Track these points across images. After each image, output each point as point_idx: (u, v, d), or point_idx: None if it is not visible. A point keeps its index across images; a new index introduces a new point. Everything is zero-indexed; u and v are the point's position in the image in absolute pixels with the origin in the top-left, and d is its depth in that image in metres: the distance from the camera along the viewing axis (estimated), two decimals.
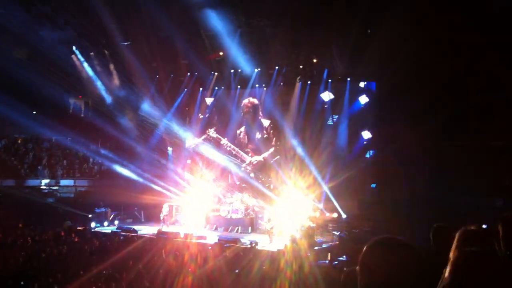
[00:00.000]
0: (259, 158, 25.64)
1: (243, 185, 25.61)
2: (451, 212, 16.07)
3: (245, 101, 26.83)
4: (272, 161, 25.29)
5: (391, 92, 20.14)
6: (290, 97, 26.06)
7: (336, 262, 14.45)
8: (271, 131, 26.27)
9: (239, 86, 27.62)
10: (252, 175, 25.79)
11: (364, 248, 2.16)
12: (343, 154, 24.07)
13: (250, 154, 26.12)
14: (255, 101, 26.66)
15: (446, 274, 2.05)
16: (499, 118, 17.47)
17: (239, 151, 26.14)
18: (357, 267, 2.20)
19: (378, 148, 22.15)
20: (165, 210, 24.22)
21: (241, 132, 27.01)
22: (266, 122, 26.31)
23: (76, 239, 18.34)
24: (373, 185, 21.90)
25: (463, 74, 17.41)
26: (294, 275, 10.95)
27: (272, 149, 25.71)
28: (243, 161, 25.91)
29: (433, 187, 18.16)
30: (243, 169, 25.97)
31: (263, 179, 25.42)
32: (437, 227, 4.90)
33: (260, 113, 26.66)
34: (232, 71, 26.93)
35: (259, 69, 26.22)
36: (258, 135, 26.33)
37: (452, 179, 18.13)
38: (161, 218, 24.08)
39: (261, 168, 25.67)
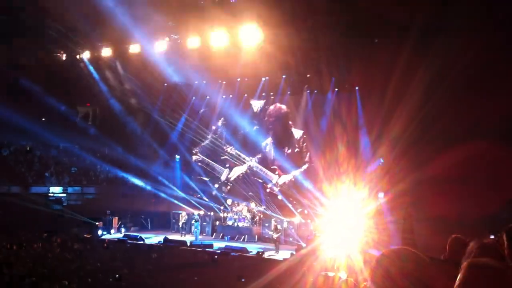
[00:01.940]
0: (289, 177, 22.82)
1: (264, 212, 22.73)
2: None
3: (271, 107, 23.98)
4: (304, 181, 22.31)
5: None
6: (297, 106, 24.73)
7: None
8: (304, 144, 22.99)
9: (245, 94, 26.18)
10: (280, 197, 23.03)
11: (376, 259, 2.15)
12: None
13: (277, 172, 23.36)
14: (283, 107, 23.70)
15: (457, 282, 2.03)
16: None
17: (263, 168, 23.29)
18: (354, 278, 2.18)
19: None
20: (183, 218, 24.30)
21: (266, 144, 23.87)
22: (297, 133, 23.24)
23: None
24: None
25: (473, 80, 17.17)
26: None
27: (305, 166, 22.84)
28: (268, 180, 23.48)
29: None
30: (268, 190, 23.45)
31: (294, 202, 22.47)
32: (454, 238, 4.89)
33: (290, 122, 23.59)
34: (238, 79, 25.53)
35: (266, 77, 24.74)
36: (287, 149, 23.31)
37: None
38: (180, 226, 24.20)
39: (291, 189, 22.79)
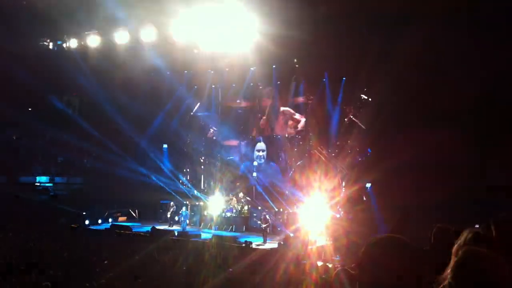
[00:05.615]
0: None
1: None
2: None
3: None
4: None
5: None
6: (285, 96, 25.20)
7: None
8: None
9: (233, 84, 26.23)
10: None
11: (364, 247, 2.16)
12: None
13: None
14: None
15: (449, 270, 2.06)
16: None
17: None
18: (351, 266, 2.20)
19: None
20: (171, 208, 24.24)
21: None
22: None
23: None
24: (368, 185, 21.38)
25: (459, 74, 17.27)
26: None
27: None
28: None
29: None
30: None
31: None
32: (438, 227, 4.93)
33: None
34: (227, 69, 25.20)
35: (254, 67, 24.46)
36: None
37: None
38: (168, 216, 24.15)
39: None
